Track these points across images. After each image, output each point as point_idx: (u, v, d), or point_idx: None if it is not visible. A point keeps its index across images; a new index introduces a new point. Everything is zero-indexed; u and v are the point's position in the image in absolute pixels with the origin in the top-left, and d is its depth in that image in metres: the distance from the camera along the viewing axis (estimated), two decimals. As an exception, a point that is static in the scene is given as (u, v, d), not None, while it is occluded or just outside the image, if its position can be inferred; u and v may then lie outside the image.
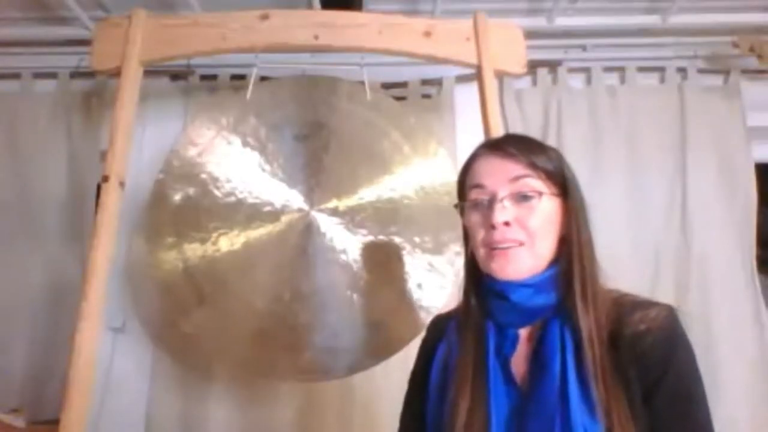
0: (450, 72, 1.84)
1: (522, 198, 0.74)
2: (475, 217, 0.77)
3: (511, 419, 0.72)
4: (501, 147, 0.78)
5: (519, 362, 0.75)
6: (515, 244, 0.73)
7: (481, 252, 0.76)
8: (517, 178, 0.74)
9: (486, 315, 0.78)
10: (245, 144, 1.56)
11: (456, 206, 0.81)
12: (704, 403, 0.69)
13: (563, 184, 0.77)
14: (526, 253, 0.73)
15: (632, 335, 0.69)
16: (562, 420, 0.66)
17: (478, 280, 0.80)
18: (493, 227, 0.73)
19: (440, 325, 0.89)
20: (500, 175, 0.75)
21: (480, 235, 0.76)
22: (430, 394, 0.83)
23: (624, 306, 0.73)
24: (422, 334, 0.94)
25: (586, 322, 0.70)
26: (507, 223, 0.73)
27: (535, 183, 0.74)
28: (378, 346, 1.45)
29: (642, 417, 0.66)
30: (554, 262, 0.75)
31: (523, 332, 0.77)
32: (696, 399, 0.69)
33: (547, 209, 0.74)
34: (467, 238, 0.81)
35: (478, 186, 0.77)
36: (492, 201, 0.74)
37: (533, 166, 0.75)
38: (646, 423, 0.66)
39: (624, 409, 0.66)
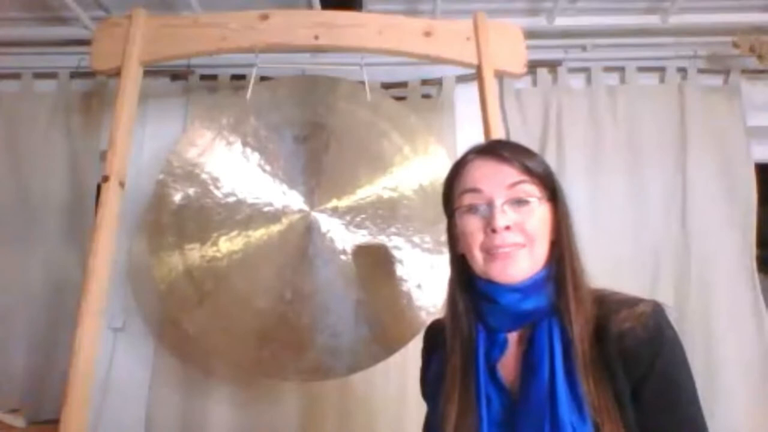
0: (450, 72, 1.84)
1: (520, 203, 0.75)
2: (472, 222, 0.76)
3: (502, 423, 0.72)
4: (493, 151, 0.79)
5: (509, 366, 0.75)
6: (516, 247, 0.74)
7: (478, 256, 0.76)
8: (514, 184, 0.75)
9: (477, 319, 0.78)
10: (245, 144, 1.56)
11: (454, 210, 0.80)
12: (693, 397, 0.69)
13: (553, 189, 0.78)
14: (525, 255, 0.74)
15: (618, 332, 0.69)
16: (551, 420, 0.66)
17: (467, 285, 0.80)
18: (494, 231, 0.73)
19: (434, 333, 0.90)
20: (496, 180, 0.76)
21: (478, 239, 0.76)
22: (428, 402, 0.83)
23: (609, 303, 0.73)
24: (422, 334, 0.95)
25: (577, 322, 0.71)
26: (508, 228, 0.73)
27: (531, 188, 0.76)
28: (378, 346, 1.45)
29: (631, 412, 0.67)
30: (544, 265, 0.76)
31: (513, 335, 0.77)
32: (684, 393, 0.69)
33: (542, 213, 0.76)
34: (453, 243, 0.82)
35: (474, 190, 0.77)
36: (491, 206, 0.75)
37: (528, 171, 0.76)
38: (635, 418, 0.67)
39: (612, 404, 0.66)
